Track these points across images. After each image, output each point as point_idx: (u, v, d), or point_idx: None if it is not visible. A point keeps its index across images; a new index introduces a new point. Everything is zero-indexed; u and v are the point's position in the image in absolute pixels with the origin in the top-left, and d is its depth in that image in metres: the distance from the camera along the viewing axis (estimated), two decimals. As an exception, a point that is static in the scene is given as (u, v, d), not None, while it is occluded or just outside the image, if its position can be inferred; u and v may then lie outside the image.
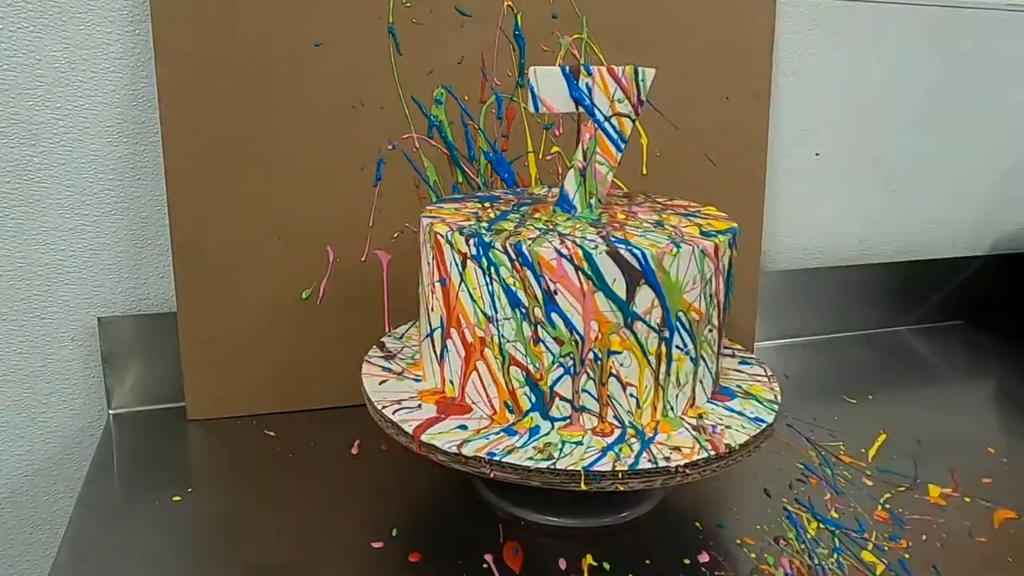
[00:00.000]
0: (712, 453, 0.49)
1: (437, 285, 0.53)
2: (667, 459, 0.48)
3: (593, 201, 0.56)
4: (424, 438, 0.49)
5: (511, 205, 0.59)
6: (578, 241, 0.49)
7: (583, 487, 0.47)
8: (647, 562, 0.53)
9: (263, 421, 0.70)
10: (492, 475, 0.48)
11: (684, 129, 0.79)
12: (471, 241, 0.50)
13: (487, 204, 0.60)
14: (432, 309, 0.54)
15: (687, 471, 0.48)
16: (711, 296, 0.52)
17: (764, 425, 0.52)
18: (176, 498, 0.59)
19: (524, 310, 0.49)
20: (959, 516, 0.60)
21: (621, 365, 0.50)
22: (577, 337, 0.49)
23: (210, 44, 0.64)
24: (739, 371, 0.61)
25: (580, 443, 0.49)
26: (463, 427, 0.51)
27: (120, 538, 0.55)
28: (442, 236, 0.52)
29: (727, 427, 0.52)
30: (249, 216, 0.68)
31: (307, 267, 0.70)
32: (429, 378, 0.56)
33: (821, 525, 0.58)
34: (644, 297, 0.49)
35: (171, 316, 0.70)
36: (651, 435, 0.50)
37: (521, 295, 0.49)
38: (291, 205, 0.69)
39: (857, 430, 0.73)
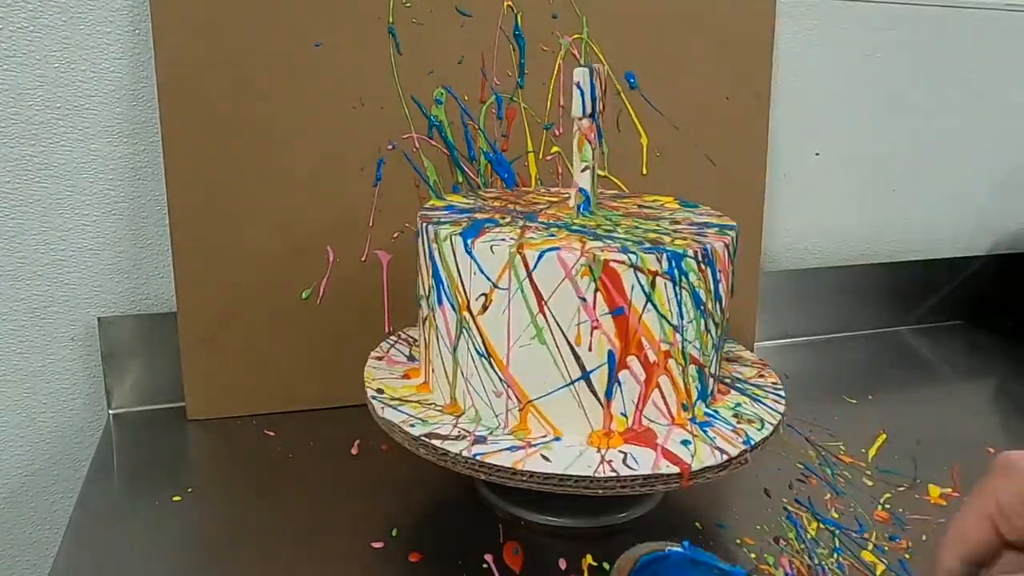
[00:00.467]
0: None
1: (605, 318, 0.48)
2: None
3: (595, 200, 0.57)
4: (694, 467, 0.48)
5: (525, 211, 0.58)
6: (697, 237, 0.52)
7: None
8: (647, 562, 0.53)
9: (263, 421, 0.70)
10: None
11: (684, 129, 0.79)
12: (663, 257, 0.48)
13: (495, 212, 0.57)
14: (590, 348, 0.49)
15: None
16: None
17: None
18: (176, 498, 0.59)
19: (703, 308, 0.51)
20: (959, 516, 0.60)
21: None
22: (724, 317, 0.54)
23: (210, 44, 0.64)
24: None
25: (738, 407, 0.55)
26: (686, 442, 0.50)
27: (120, 538, 0.55)
28: (620, 263, 0.47)
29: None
30: (249, 216, 0.68)
31: (307, 267, 0.70)
32: (571, 430, 0.50)
33: (821, 525, 0.58)
34: None
35: (171, 316, 0.70)
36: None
37: (703, 294, 0.51)
38: (291, 205, 0.69)
39: (857, 430, 0.73)
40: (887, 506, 0.61)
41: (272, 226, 0.69)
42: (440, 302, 0.53)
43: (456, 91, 0.72)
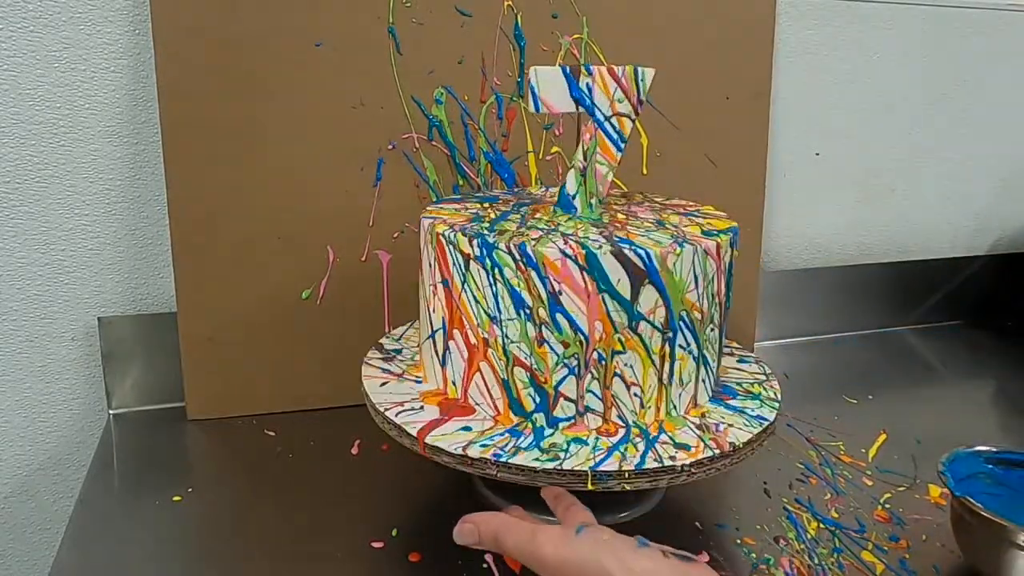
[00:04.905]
0: (717, 451, 0.49)
1: (439, 286, 0.53)
2: (672, 458, 0.48)
3: (594, 201, 0.56)
4: (428, 440, 0.49)
5: (511, 205, 0.59)
6: (581, 241, 0.49)
7: (590, 487, 0.47)
8: (647, 562, 0.53)
9: (263, 421, 0.70)
10: (498, 475, 0.47)
11: (684, 129, 0.79)
12: (474, 242, 0.50)
13: (487, 204, 0.60)
14: (434, 310, 0.54)
15: (692, 470, 0.48)
16: (713, 295, 0.52)
17: (766, 423, 0.52)
18: (176, 498, 0.59)
19: (528, 311, 0.49)
20: (959, 516, 0.60)
21: (626, 365, 0.50)
22: (582, 338, 0.49)
23: (210, 44, 0.64)
24: (739, 369, 0.61)
25: (585, 443, 0.49)
26: (467, 428, 0.50)
27: (120, 538, 0.55)
28: (444, 237, 0.52)
29: (730, 425, 0.52)
30: (249, 216, 0.68)
31: (307, 267, 0.70)
32: (430, 380, 0.56)
33: (821, 525, 0.58)
34: (648, 297, 0.49)
35: (171, 316, 0.70)
36: (655, 434, 0.50)
37: (526, 296, 0.49)
38: (291, 205, 0.69)
39: (857, 430, 0.73)
40: (887, 506, 0.61)
41: (272, 226, 0.69)
42: None
43: (456, 91, 0.71)
